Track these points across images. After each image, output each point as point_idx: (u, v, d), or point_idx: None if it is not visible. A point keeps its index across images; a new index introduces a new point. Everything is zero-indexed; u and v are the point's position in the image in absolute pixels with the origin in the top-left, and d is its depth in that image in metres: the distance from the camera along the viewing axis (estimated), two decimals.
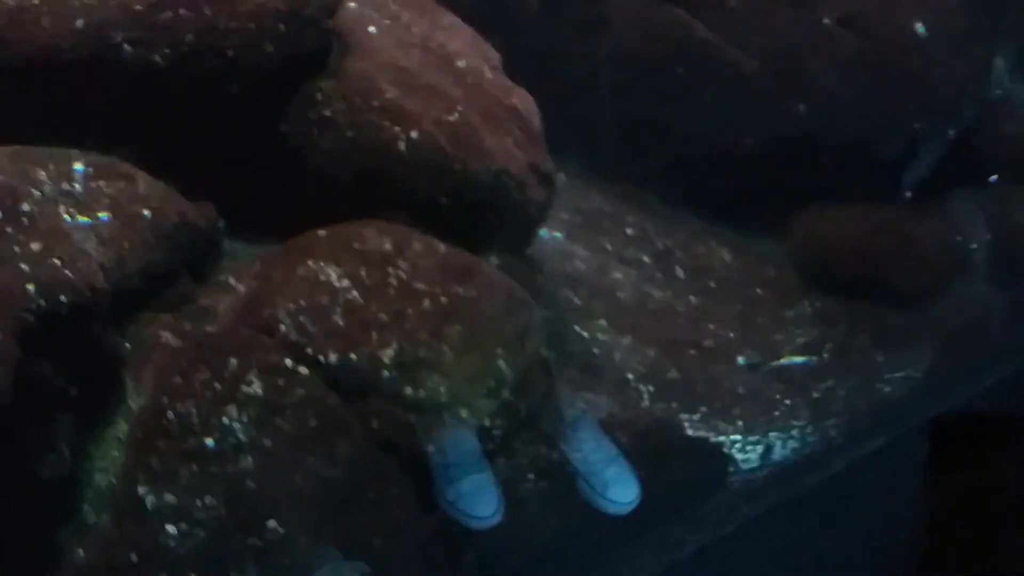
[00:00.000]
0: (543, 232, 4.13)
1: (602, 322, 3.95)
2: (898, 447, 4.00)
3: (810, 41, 4.45)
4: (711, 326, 4.10)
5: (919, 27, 4.48)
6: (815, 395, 4.02)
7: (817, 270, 4.42)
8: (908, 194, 4.53)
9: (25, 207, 2.88)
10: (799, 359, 4.14)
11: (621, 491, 3.29)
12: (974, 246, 4.59)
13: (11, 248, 2.77)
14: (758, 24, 4.42)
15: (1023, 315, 4.53)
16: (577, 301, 3.98)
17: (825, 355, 4.15)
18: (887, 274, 4.41)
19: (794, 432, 3.87)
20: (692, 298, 4.21)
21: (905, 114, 4.50)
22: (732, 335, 4.09)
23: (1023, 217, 4.69)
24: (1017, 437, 2.71)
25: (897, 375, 4.16)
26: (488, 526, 3.07)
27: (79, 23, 3.22)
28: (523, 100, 3.94)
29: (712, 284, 4.29)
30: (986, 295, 4.55)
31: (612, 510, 3.29)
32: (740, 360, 4.07)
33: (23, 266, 2.74)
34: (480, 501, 3.07)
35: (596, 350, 3.85)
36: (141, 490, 2.76)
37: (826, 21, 4.45)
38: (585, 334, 3.89)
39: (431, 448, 3.07)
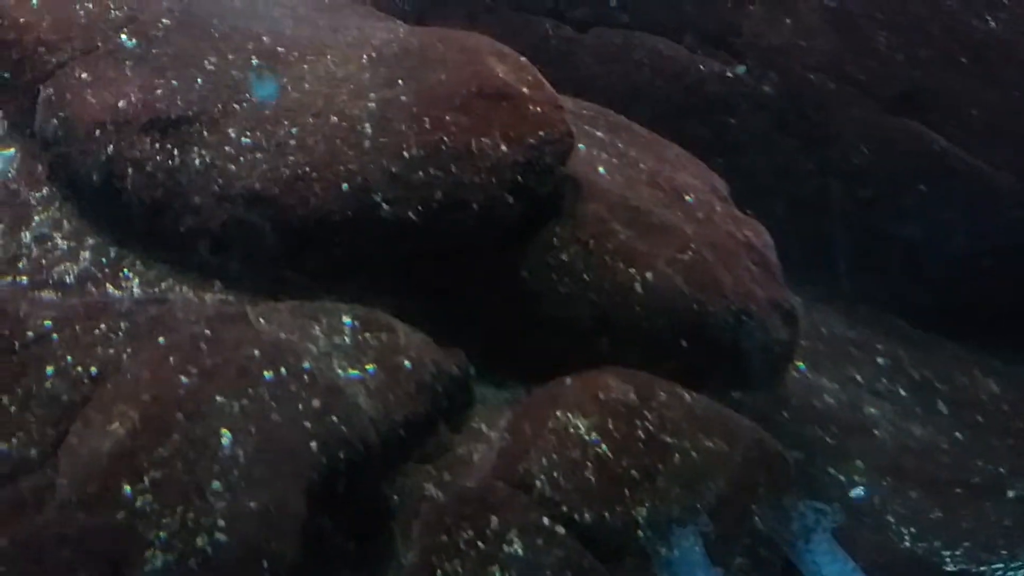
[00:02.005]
0: (801, 366, 3.98)
1: (858, 463, 3.74)
2: None
3: None
4: (979, 463, 3.82)
5: None
6: None
7: None
8: None
9: (306, 365, 3.04)
10: None
11: None
12: None
13: (296, 406, 2.94)
14: (1003, 130, 4.18)
15: None
16: (829, 440, 3.79)
17: None
18: None
19: None
20: (957, 434, 3.94)
21: None
22: (1002, 470, 3.80)
23: None
24: None
25: None
26: None
27: (344, 187, 3.41)
28: (756, 232, 3.85)
29: (979, 418, 4.01)
30: None
31: None
32: (1010, 493, 3.78)
33: (306, 424, 2.89)
34: None
35: (854, 494, 3.65)
36: None
37: None
38: (841, 477, 3.69)
39: None
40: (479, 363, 3.51)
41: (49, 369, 3.05)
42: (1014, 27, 4.30)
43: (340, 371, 3.15)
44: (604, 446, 3.09)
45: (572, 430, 3.13)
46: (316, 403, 2.98)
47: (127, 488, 2.73)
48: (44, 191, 3.76)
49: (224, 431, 2.83)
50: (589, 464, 3.05)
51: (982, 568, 3.57)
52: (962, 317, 4.28)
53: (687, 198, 3.87)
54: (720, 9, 4.70)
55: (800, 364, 4.13)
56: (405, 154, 3.43)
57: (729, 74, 4.66)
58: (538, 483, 3.03)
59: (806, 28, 4.53)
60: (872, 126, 4.36)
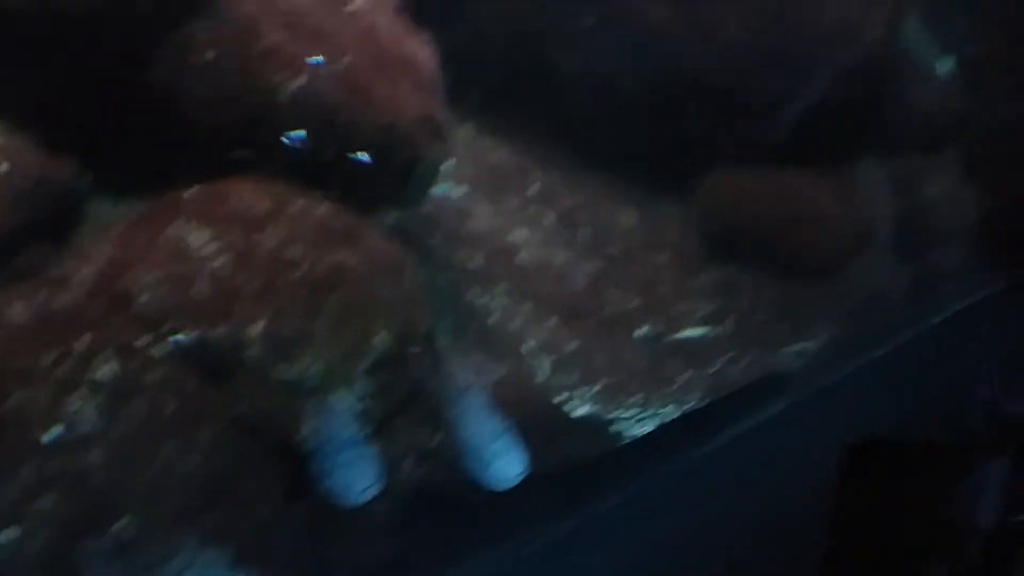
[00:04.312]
0: (444, 188, 3.93)
1: (501, 287, 3.77)
2: (792, 416, 3.99)
3: None
4: (613, 293, 3.93)
5: None
6: (714, 368, 3.92)
7: (721, 238, 4.27)
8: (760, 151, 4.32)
9: None
10: (699, 331, 4.02)
11: (505, 466, 3.18)
12: (881, 216, 4.47)
13: None
14: None
15: (924, 286, 4.48)
16: (476, 263, 3.78)
17: (726, 328, 4.03)
18: (791, 245, 4.27)
19: (689, 404, 3.77)
20: (596, 263, 4.03)
21: (800, 67, 4.32)
22: (634, 304, 3.94)
23: (930, 187, 4.60)
24: (917, 462, 2.89)
25: (796, 347, 4.08)
26: (362, 501, 2.93)
27: None
28: (419, 47, 3.69)
29: (617, 249, 4.11)
30: (890, 266, 4.44)
31: (495, 484, 3.18)
32: (640, 332, 3.93)
33: None
34: (355, 475, 2.93)
35: (493, 317, 3.67)
36: None
37: None
38: (483, 299, 3.70)
39: (302, 426, 2.90)
40: (99, 174, 3.17)
41: None
42: None
43: None
44: (222, 259, 2.90)
45: (188, 242, 2.91)
46: None
47: None
48: None
49: None
50: (202, 279, 2.85)
51: (618, 412, 3.72)
52: (611, 147, 4.33)
53: (350, 5, 3.66)
54: None
55: (460, 190, 4.10)
56: None
57: None
58: (141, 300, 2.80)
59: None
60: None
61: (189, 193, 3.06)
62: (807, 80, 4.35)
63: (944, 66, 4.65)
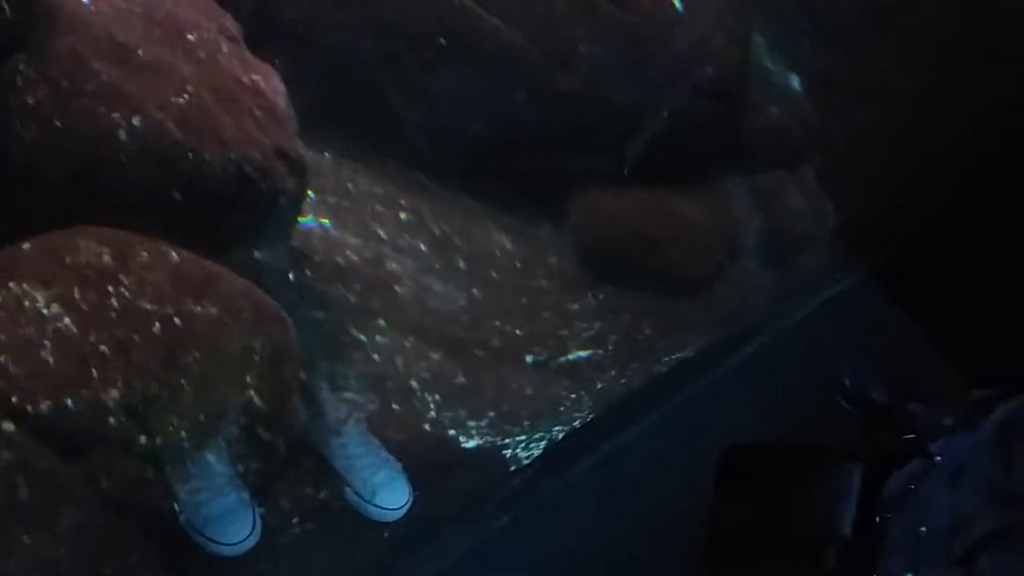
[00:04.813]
0: (309, 220, 3.73)
1: (381, 322, 3.58)
2: (673, 422, 4.06)
3: (573, 12, 4.15)
4: (496, 323, 3.81)
5: (675, 1, 4.30)
6: (599, 386, 3.87)
7: (598, 259, 4.24)
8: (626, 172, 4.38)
9: None
10: (584, 353, 3.96)
11: (390, 496, 3.03)
12: (747, 229, 4.57)
13: None
14: None
15: (787, 291, 4.61)
16: (352, 298, 3.59)
17: (610, 347, 3.99)
18: (666, 261, 4.31)
19: (576, 423, 3.68)
20: (475, 291, 3.89)
21: (657, 85, 4.35)
22: (519, 332, 3.83)
23: (792, 200, 4.72)
24: (781, 467, 3.03)
25: (675, 356, 4.09)
26: (239, 552, 2.71)
27: None
28: (266, 77, 3.49)
29: (495, 275, 3.97)
30: (757, 275, 4.54)
31: (381, 517, 3.03)
32: (528, 359, 3.83)
33: None
34: (231, 526, 2.70)
35: (376, 355, 3.48)
36: None
37: None
38: (363, 337, 3.51)
39: (175, 494, 2.65)
40: None
41: None
42: None
43: None
44: (67, 319, 2.63)
45: (28, 303, 2.62)
46: None
47: None
48: None
49: None
50: (47, 343, 2.58)
51: (506, 440, 3.61)
52: (479, 172, 4.21)
53: (189, 36, 3.42)
54: None
55: (325, 220, 3.89)
56: None
57: None
58: None
59: None
60: None
61: (25, 248, 2.77)
62: (665, 97, 4.37)
63: (795, 83, 4.78)
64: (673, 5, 4.32)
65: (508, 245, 4.08)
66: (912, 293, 4.71)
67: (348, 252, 3.82)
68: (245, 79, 3.41)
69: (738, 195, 4.58)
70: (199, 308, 2.78)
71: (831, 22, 4.86)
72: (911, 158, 4.78)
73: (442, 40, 4.07)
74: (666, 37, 4.31)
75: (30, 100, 3.01)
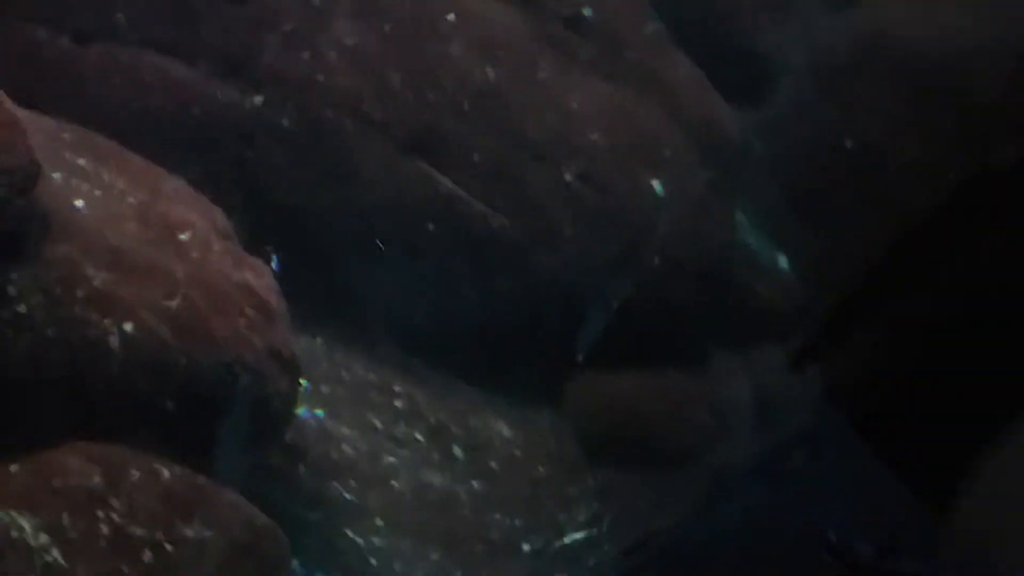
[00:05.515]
0: (302, 412, 3.70)
1: (379, 521, 3.50)
2: None
3: (555, 197, 4.30)
4: (496, 515, 3.74)
5: (656, 185, 4.45)
6: (592, 563, 3.80)
7: (595, 440, 4.23)
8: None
9: None
10: (580, 535, 3.89)
11: None
12: (739, 402, 4.59)
13: None
14: (500, 174, 4.23)
15: (774, 455, 4.59)
16: (348, 496, 3.52)
17: (605, 527, 3.94)
18: (660, 439, 4.33)
19: None
20: (474, 483, 3.84)
21: (644, 258, 4.44)
22: (517, 523, 3.76)
23: (783, 371, 4.74)
24: None
25: (663, 524, 4.05)
26: None
27: None
28: (258, 274, 3.53)
29: (494, 464, 3.93)
30: (746, 447, 4.53)
31: None
32: (525, 547, 3.75)
33: None
34: None
35: (373, 559, 3.39)
36: None
37: (568, 177, 4.32)
38: (359, 540, 3.42)
39: None
40: None
41: None
42: (510, 76, 4.38)
43: None
44: (56, 552, 2.56)
45: (15, 533, 2.55)
46: None
47: None
48: None
49: None
50: None
51: None
52: (473, 355, 4.22)
53: (181, 236, 3.47)
54: (238, 36, 4.39)
55: (319, 411, 3.87)
56: None
57: (247, 104, 4.36)
58: None
59: (325, 63, 4.36)
60: (387, 166, 4.24)
61: (13, 470, 2.73)
62: (653, 279, 4.43)
63: (782, 262, 4.88)
64: (652, 188, 4.43)
65: (506, 432, 4.04)
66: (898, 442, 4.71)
67: (343, 445, 3.77)
68: (237, 277, 3.44)
69: (730, 369, 4.62)
70: (190, 532, 2.73)
71: (814, 203, 4.98)
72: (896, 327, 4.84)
73: (429, 224, 4.15)
74: (652, 221, 4.40)
75: (22, 309, 3.02)
